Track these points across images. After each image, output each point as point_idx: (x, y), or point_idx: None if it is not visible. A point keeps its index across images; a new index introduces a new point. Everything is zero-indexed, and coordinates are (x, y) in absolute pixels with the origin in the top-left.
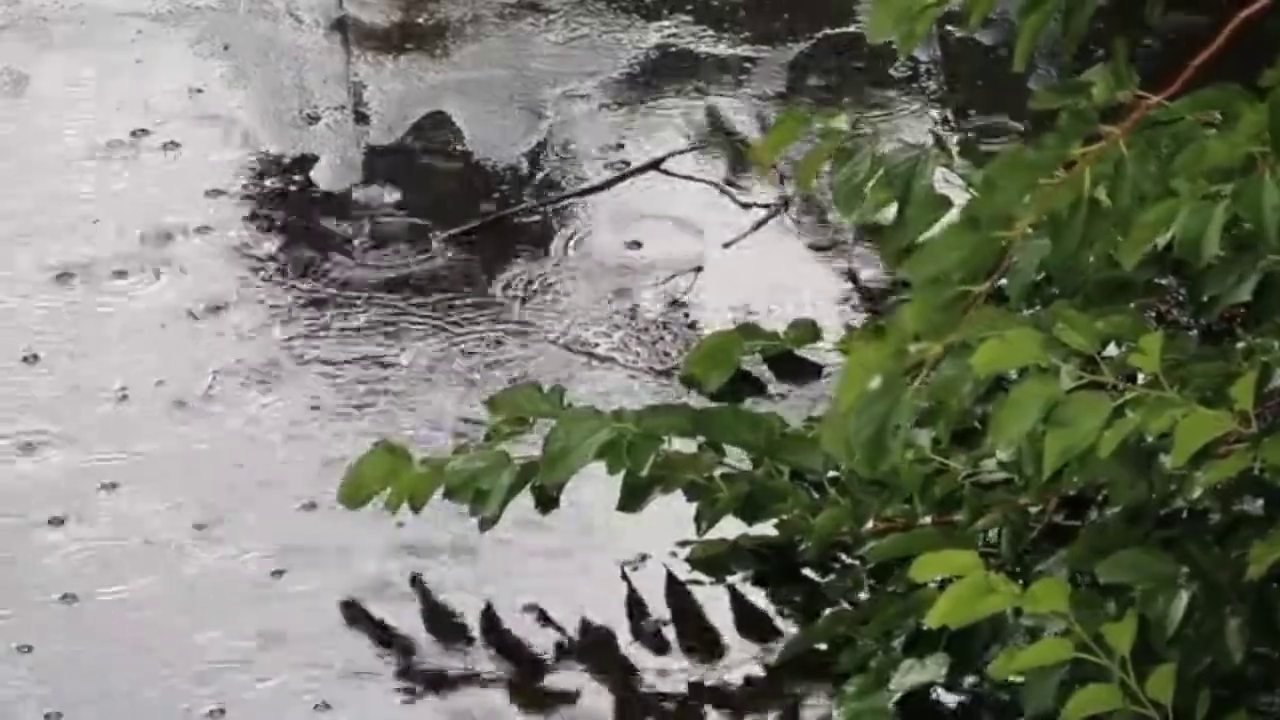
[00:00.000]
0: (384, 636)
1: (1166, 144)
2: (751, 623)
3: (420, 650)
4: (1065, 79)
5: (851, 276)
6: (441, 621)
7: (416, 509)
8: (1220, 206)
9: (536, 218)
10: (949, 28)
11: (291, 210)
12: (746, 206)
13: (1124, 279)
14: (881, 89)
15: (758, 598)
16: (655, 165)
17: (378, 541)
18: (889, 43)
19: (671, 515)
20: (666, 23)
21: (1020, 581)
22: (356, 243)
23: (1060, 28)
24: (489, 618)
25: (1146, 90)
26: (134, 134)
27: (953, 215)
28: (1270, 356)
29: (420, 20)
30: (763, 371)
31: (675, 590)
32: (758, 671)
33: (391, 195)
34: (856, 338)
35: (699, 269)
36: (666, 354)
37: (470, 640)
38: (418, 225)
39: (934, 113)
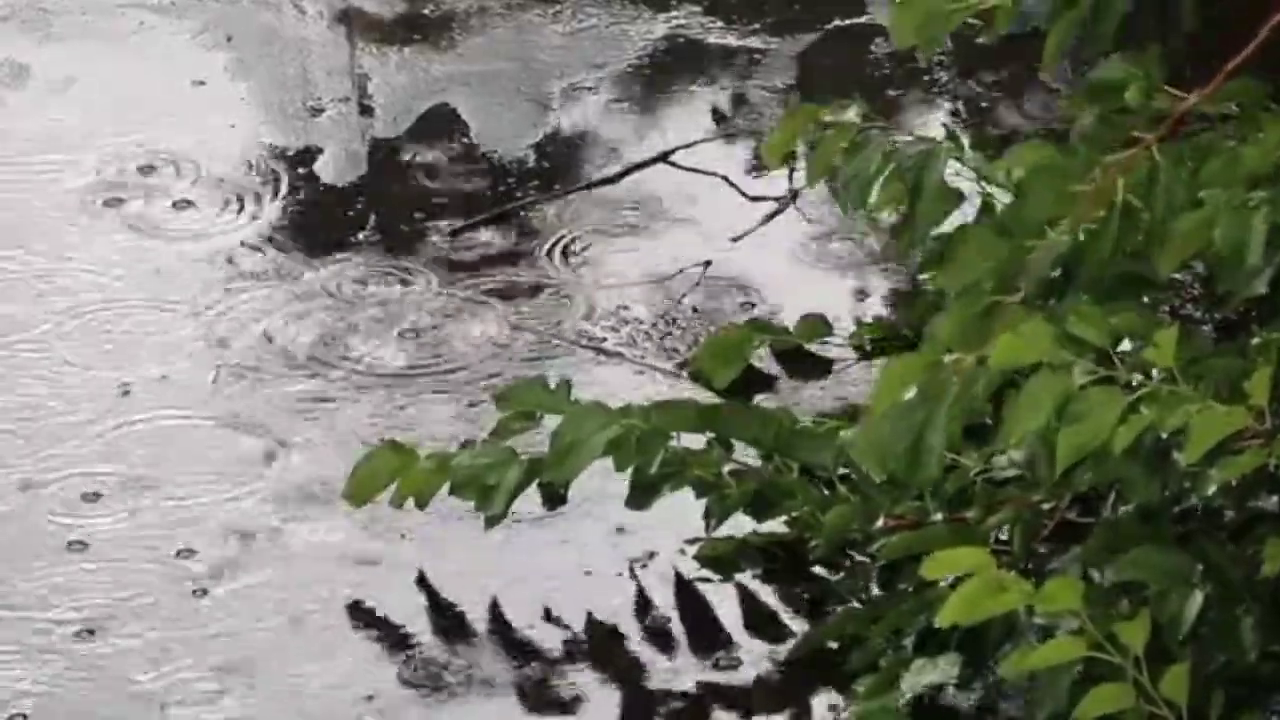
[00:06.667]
0: (388, 634)
1: (1190, 154)
2: (760, 621)
3: (425, 647)
4: (1082, 75)
5: (862, 271)
6: (447, 618)
7: (422, 506)
8: (1260, 215)
9: (543, 211)
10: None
11: (294, 204)
12: (755, 199)
13: (1138, 274)
14: (892, 81)
15: (767, 595)
16: (663, 158)
17: (380, 536)
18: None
19: (680, 512)
20: (675, 14)
21: (1032, 579)
22: (360, 236)
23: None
24: (495, 616)
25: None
26: (135, 128)
27: (964, 211)
28: None
29: (425, 12)
30: (772, 367)
31: (683, 588)
32: (767, 670)
33: (396, 189)
34: (866, 329)
35: (708, 263)
36: (675, 349)
37: (476, 639)
38: (422, 219)
39: (946, 104)
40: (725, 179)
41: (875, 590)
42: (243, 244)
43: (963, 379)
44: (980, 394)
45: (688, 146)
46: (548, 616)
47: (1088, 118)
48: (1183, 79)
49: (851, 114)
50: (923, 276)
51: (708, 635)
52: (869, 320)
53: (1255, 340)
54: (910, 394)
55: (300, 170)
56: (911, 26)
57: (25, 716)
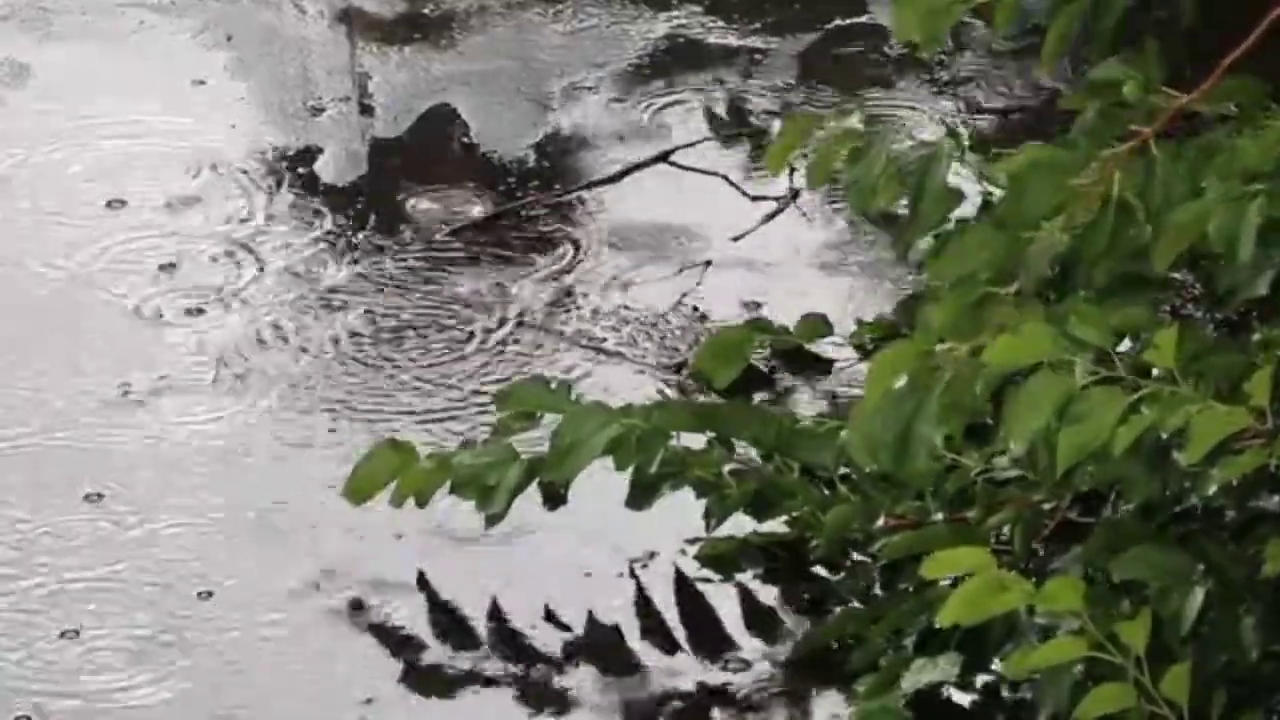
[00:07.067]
0: (389, 634)
1: (1191, 153)
2: (761, 621)
3: (426, 648)
4: (1082, 74)
5: (863, 270)
6: (447, 618)
7: (422, 505)
8: (1254, 207)
9: (543, 211)
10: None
11: (294, 203)
12: (756, 199)
13: (1138, 274)
14: (893, 79)
15: (767, 595)
16: (664, 158)
17: (380, 536)
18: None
19: (680, 512)
20: (675, 13)
21: (1033, 579)
22: (361, 236)
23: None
24: (495, 616)
25: (1168, 88)
26: (135, 127)
27: (966, 209)
28: None
29: (426, 11)
30: (773, 366)
31: (684, 588)
32: (767, 670)
33: (396, 188)
34: (867, 329)
35: (708, 263)
36: (675, 349)
37: (476, 639)
38: (423, 219)
39: (946, 104)
40: (725, 179)
41: (876, 590)
42: (243, 243)
43: (954, 369)
44: (979, 393)
45: (688, 146)
46: (548, 616)
47: (1089, 113)
48: (1182, 78)
49: (853, 120)
50: (923, 276)
51: (708, 635)
52: (870, 320)
53: (1256, 339)
54: (901, 383)
55: (300, 170)
56: (913, 22)
57: (29, 718)
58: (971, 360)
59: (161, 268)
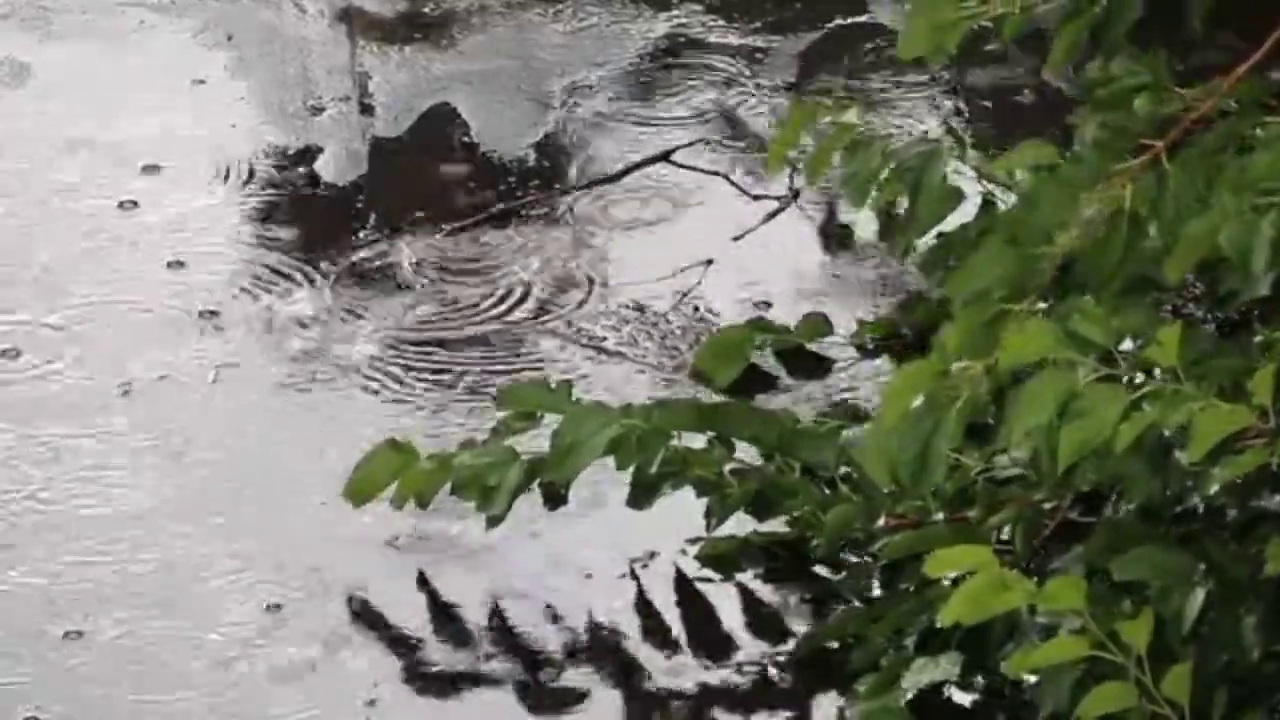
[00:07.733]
0: (388, 635)
1: (1201, 164)
2: (762, 621)
3: (427, 649)
4: (1082, 77)
5: (863, 270)
6: (448, 620)
7: (423, 505)
8: (1267, 220)
9: (543, 210)
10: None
11: (295, 203)
12: (757, 198)
13: (1145, 277)
14: (893, 79)
15: (768, 595)
16: (664, 157)
17: (380, 536)
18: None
19: (681, 512)
20: (676, 12)
21: (1034, 578)
22: (361, 235)
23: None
24: (496, 616)
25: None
26: (136, 127)
27: (964, 210)
28: None
29: (426, 10)
30: (774, 366)
31: (684, 588)
32: (768, 670)
33: (396, 188)
34: (867, 329)
35: (709, 262)
36: (676, 348)
37: (477, 639)
38: (423, 218)
39: (947, 103)
40: (726, 178)
41: (876, 590)
42: (244, 242)
43: (971, 388)
44: (981, 395)
45: (688, 145)
46: (548, 616)
47: (1091, 125)
48: (1185, 84)
49: (852, 115)
50: (922, 272)
51: (708, 635)
52: (870, 320)
53: (1258, 339)
54: (918, 403)
55: (301, 169)
56: (921, 37)
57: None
58: (987, 379)
59: (168, 266)
